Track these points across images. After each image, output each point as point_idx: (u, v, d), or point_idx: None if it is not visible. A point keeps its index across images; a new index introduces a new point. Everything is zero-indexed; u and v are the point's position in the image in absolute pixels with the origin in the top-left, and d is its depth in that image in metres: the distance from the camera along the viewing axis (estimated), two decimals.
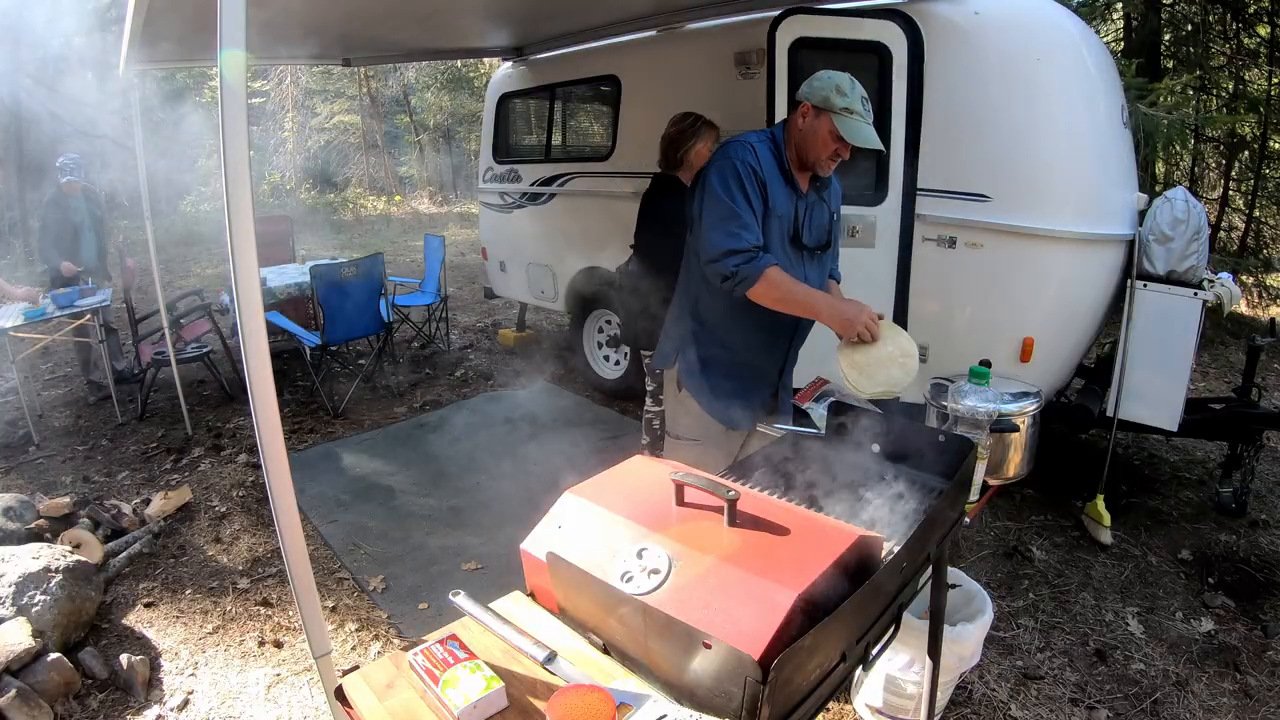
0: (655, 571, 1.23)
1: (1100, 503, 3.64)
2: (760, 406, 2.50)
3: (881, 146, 2.28)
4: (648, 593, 1.21)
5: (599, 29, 5.25)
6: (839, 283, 2.68)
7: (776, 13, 4.13)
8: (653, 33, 5.00)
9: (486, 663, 1.28)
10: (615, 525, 1.36)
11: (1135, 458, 4.58)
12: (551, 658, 1.28)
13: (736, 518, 1.32)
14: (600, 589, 1.26)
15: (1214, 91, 8.58)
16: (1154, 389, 3.55)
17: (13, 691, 2.54)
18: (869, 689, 2.47)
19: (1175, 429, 3.58)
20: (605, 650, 1.32)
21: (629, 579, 1.25)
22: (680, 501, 1.40)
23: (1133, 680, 2.78)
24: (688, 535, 1.30)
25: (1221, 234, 8.65)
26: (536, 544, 1.43)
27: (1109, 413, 3.66)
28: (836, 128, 2.20)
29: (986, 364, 2.09)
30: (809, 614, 1.12)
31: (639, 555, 1.28)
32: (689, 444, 2.53)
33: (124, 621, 3.25)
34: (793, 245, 2.36)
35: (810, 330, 2.51)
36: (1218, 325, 6.96)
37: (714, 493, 1.33)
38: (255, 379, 1.54)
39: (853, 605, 1.16)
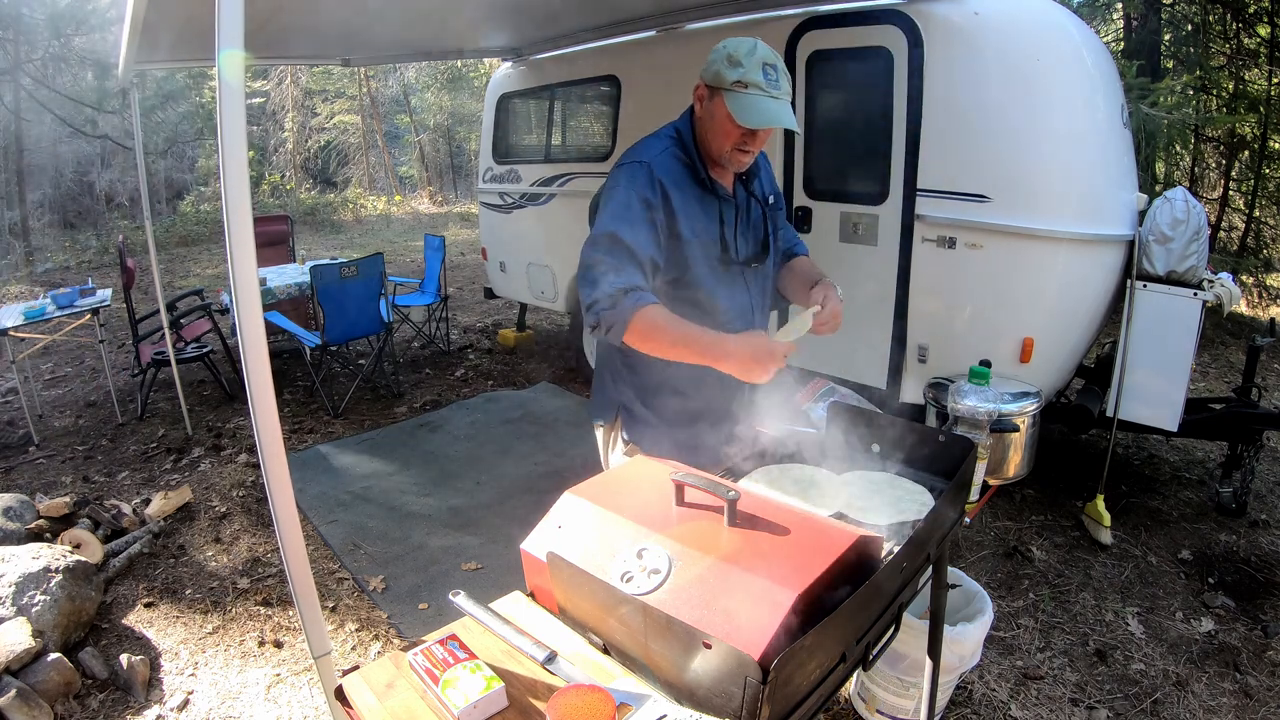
0: (655, 571, 1.23)
1: (1100, 503, 3.64)
2: (725, 440, 2.01)
3: (793, 125, 1.78)
4: (648, 593, 1.21)
5: (599, 29, 5.25)
6: (807, 256, 2.25)
7: (776, 14, 4.16)
8: (652, 33, 5.00)
9: (486, 663, 1.28)
10: (615, 525, 1.36)
11: (1135, 458, 4.58)
12: (551, 658, 1.28)
13: (736, 518, 1.32)
14: (600, 589, 1.26)
15: (1214, 91, 8.57)
16: (1154, 389, 3.54)
17: (13, 691, 2.55)
18: (869, 689, 2.47)
19: (1175, 429, 3.57)
20: (605, 650, 1.32)
21: (629, 579, 1.25)
22: (680, 501, 1.40)
23: (1133, 680, 2.78)
24: (688, 535, 1.30)
25: (1221, 234, 8.64)
26: (536, 544, 1.43)
27: (1109, 413, 3.66)
28: (729, 109, 1.77)
29: (986, 364, 2.09)
30: (809, 614, 1.12)
31: (639, 555, 1.28)
32: None
33: (124, 621, 3.25)
34: (722, 265, 1.97)
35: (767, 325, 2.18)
36: (1218, 325, 6.97)
37: (714, 493, 1.33)
38: (254, 379, 1.54)
39: (853, 605, 1.15)
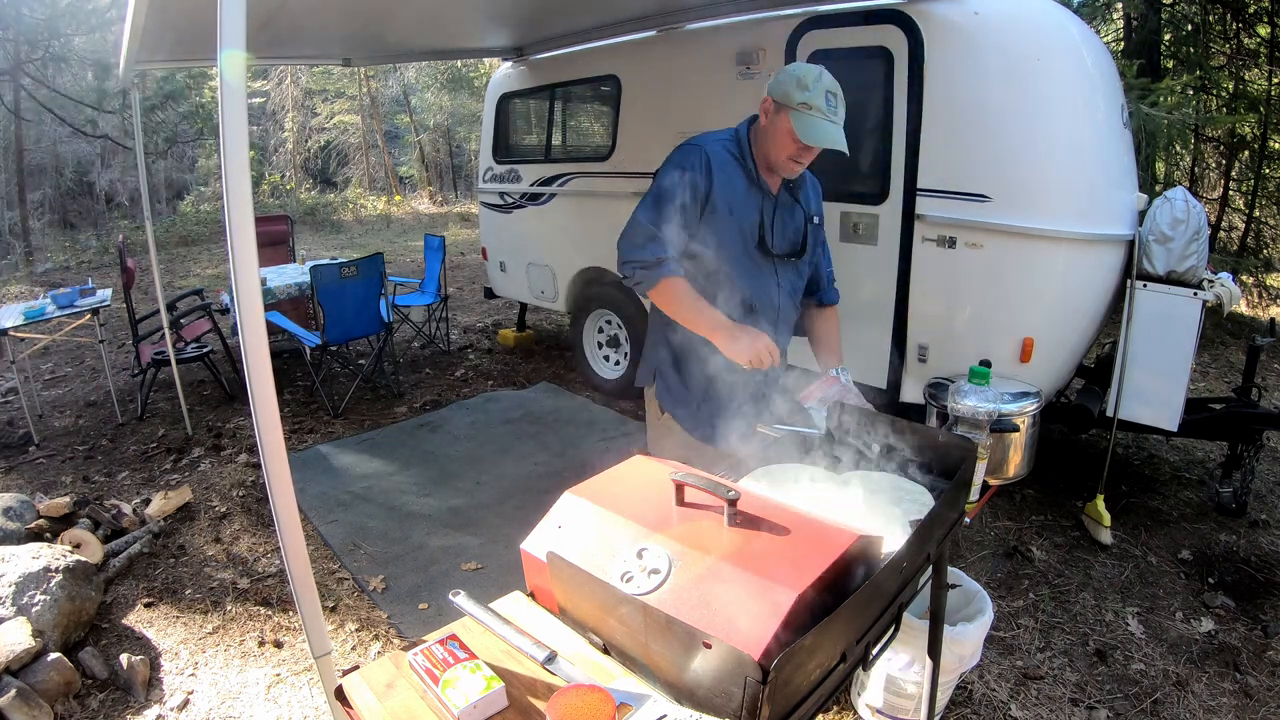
0: (655, 571, 1.23)
1: (1100, 503, 3.64)
2: (749, 418, 2.18)
3: (844, 148, 2.05)
4: (648, 593, 1.21)
5: (599, 29, 5.25)
6: (834, 305, 2.52)
7: (777, 13, 4.16)
8: (653, 33, 5.00)
9: (486, 663, 1.28)
10: (615, 525, 1.36)
11: (1135, 458, 4.58)
12: (551, 658, 1.28)
13: (736, 518, 1.32)
14: (600, 589, 1.26)
15: (1214, 91, 8.57)
16: (1154, 389, 3.54)
17: (13, 691, 2.54)
18: (869, 689, 2.47)
19: (1175, 429, 3.57)
20: (605, 650, 1.32)
21: (629, 579, 1.25)
22: (680, 501, 1.40)
23: (1133, 680, 2.78)
24: (688, 535, 1.30)
25: (1221, 234, 8.64)
26: (536, 544, 1.43)
27: (1109, 413, 3.65)
28: (793, 125, 2.04)
29: (986, 364, 2.09)
30: (809, 614, 1.12)
31: (639, 555, 1.28)
32: None
33: (124, 621, 3.25)
34: (759, 251, 2.23)
35: (788, 334, 2.41)
36: (1218, 325, 6.97)
37: (714, 493, 1.33)
38: (255, 379, 1.53)
39: (853, 605, 1.15)
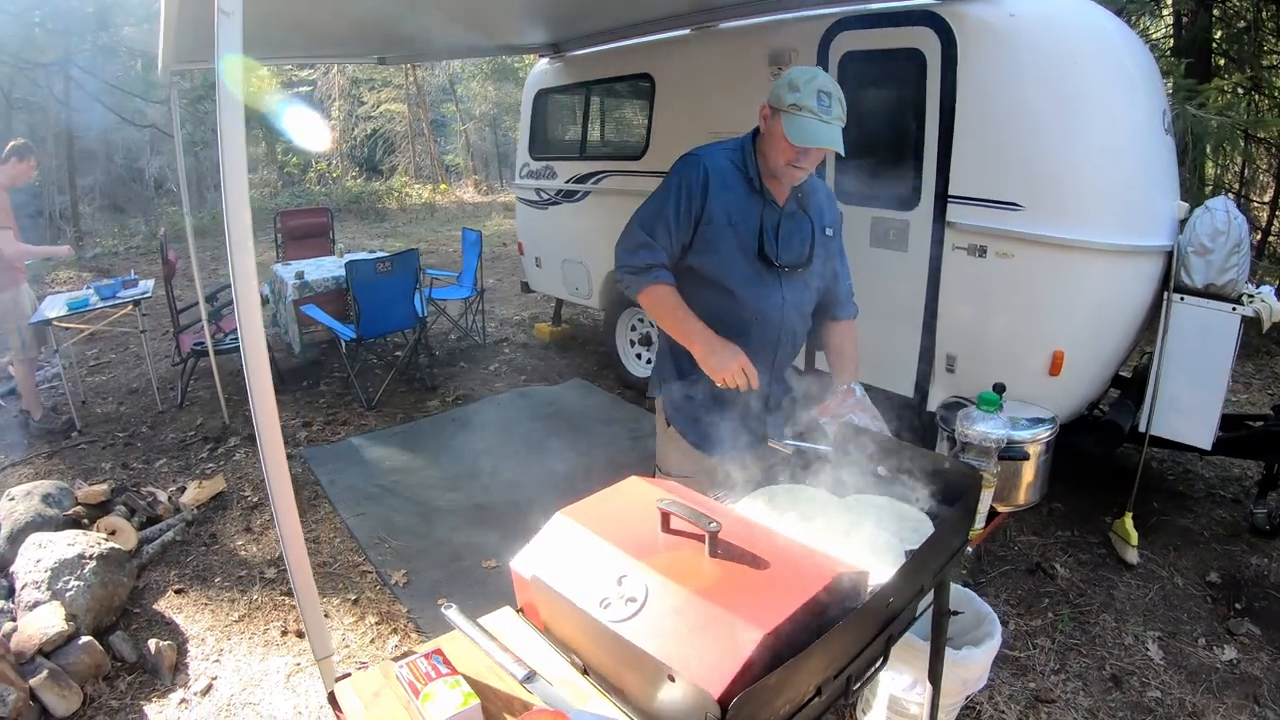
0: (632, 600, 1.24)
1: (1128, 521, 3.56)
2: (751, 434, 2.15)
3: (839, 147, 2.00)
4: (622, 620, 1.21)
5: (634, 27, 5.25)
6: (851, 320, 2.44)
7: (809, 13, 4.12)
8: (687, 31, 4.99)
9: (467, 678, 1.31)
10: (600, 549, 1.36)
11: (1170, 473, 4.47)
12: (530, 676, 1.30)
13: (718, 548, 1.31)
14: (578, 615, 1.27)
15: (1266, 92, 8.27)
16: (1188, 405, 3.45)
17: (45, 672, 2.67)
18: (873, 708, 2.45)
19: (1209, 447, 3.48)
20: (585, 672, 1.34)
21: (606, 605, 1.25)
22: (666, 528, 1.40)
23: (1147, 708, 2.71)
24: (668, 564, 1.30)
25: (1272, 239, 8.33)
26: (524, 563, 1.44)
27: (1141, 428, 3.57)
28: (784, 128, 1.98)
29: (1000, 389, 2.03)
30: (778, 651, 1.11)
31: (619, 582, 1.28)
32: (680, 480, 2.17)
33: (154, 607, 3.37)
34: (761, 261, 2.17)
35: (795, 349, 2.37)
36: (1264, 335, 6.72)
37: (696, 523, 1.32)
38: (254, 377, 1.55)
39: (826, 643, 1.15)
